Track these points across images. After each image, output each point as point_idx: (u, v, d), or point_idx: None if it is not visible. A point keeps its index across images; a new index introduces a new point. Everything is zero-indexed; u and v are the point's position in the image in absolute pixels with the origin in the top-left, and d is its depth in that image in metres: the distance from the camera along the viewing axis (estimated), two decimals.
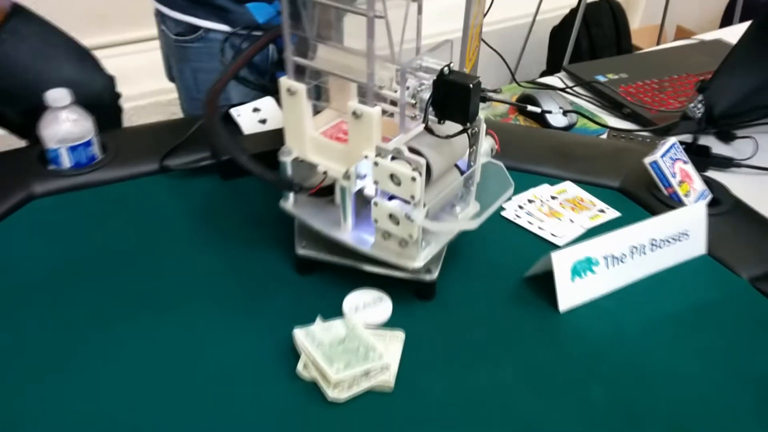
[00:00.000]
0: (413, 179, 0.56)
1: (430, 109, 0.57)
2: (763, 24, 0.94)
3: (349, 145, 0.61)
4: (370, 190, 0.65)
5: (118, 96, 1.00)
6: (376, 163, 0.58)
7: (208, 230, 0.77)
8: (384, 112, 0.60)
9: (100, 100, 0.95)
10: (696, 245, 0.74)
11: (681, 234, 0.72)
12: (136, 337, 0.62)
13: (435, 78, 0.56)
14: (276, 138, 0.80)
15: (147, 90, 1.68)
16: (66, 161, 0.81)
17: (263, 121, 0.91)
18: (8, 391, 0.57)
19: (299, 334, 0.60)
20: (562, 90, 1.13)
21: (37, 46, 0.92)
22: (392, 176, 0.58)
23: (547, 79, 1.17)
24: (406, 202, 0.59)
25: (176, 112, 1.22)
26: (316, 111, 0.66)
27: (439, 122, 0.59)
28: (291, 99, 0.62)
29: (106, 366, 0.59)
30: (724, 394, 0.59)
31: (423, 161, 0.57)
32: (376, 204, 0.61)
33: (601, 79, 1.13)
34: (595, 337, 0.64)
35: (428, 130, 0.60)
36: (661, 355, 0.63)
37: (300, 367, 0.59)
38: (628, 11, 2.27)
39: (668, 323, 0.66)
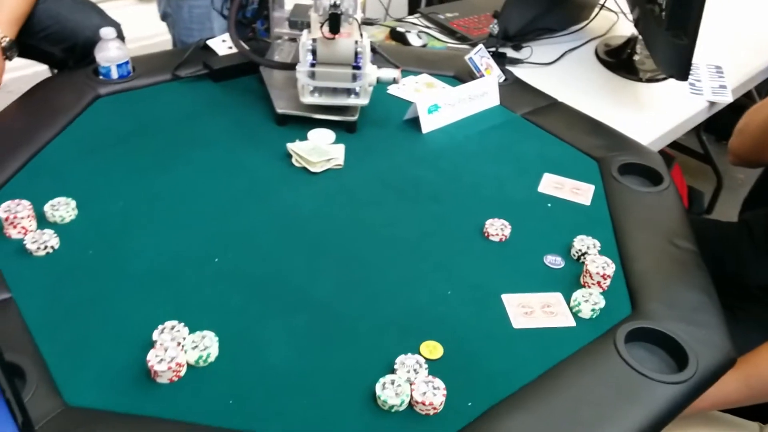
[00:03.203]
0: (297, 52, 1.12)
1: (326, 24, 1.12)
2: None
3: None
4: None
5: (124, 38, 1.44)
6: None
7: (214, 109, 1.27)
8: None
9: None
10: (492, 99, 1.34)
11: (484, 93, 1.33)
12: (195, 162, 1.13)
13: (330, 9, 1.10)
14: (239, 56, 1.31)
15: None
16: (114, 74, 1.27)
17: (230, 47, 1.41)
18: (127, 185, 1.06)
19: (290, 145, 1.14)
20: (417, 26, 1.71)
21: (69, 3, 1.35)
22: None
23: (409, 18, 1.76)
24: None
25: None
26: None
27: (330, 31, 1.12)
28: None
29: (178, 178, 1.10)
30: (498, 161, 1.20)
31: (307, 41, 1.13)
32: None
33: (441, 17, 1.73)
34: (440, 142, 1.23)
35: (322, 33, 1.14)
36: (470, 146, 1.23)
37: (293, 161, 1.13)
38: None
39: (478, 135, 1.26)
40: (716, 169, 2.36)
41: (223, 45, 1.41)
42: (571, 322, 0.89)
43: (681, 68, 1.33)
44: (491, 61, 1.42)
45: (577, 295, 0.91)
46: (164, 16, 1.58)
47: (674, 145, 2.24)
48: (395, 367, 0.79)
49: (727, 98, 1.53)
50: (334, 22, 1.10)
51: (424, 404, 0.75)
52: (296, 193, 1.07)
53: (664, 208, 1.10)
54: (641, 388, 0.80)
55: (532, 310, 0.90)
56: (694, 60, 1.36)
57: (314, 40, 1.13)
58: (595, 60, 1.63)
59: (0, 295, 0.84)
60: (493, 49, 1.52)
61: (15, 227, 0.93)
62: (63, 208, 0.96)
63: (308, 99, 1.18)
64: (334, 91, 1.20)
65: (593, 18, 1.75)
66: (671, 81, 1.54)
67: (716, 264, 1.05)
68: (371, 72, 1.19)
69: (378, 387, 0.76)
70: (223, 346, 0.80)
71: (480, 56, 1.41)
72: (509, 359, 0.83)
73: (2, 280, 0.86)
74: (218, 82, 1.34)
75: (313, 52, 1.14)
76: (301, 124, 1.21)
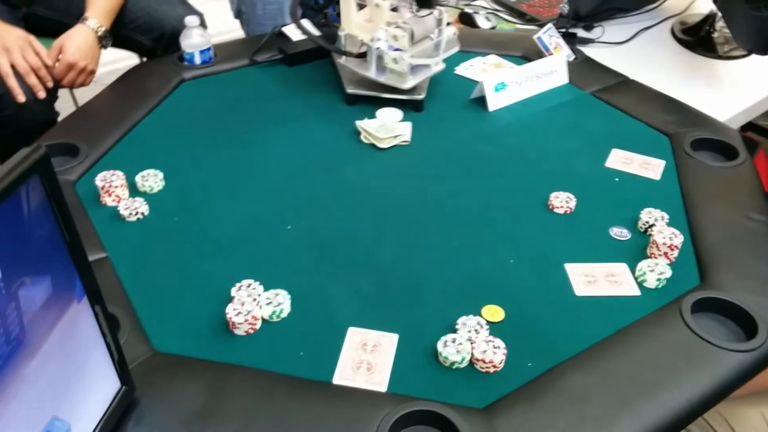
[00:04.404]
0: (402, 37, 1.15)
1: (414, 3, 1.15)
2: None
3: (374, 24, 1.19)
4: (382, 47, 1.22)
5: (206, 27, 1.53)
6: (386, 30, 1.16)
7: (288, 91, 1.33)
8: (393, 8, 1.18)
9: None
10: (561, 77, 1.34)
11: (552, 71, 1.33)
12: (270, 139, 1.20)
13: None
14: (311, 42, 1.36)
15: None
16: (197, 59, 1.36)
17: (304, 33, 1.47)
18: (209, 159, 1.13)
19: (359, 122, 1.18)
20: (485, 8, 1.72)
21: None
22: (394, 36, 1.16)
23: (478, 1, 1.77)
24: (400, 50, 1.17)
25: None
26: (361, 7, 1.23)
27: (417, 11, 1.16)
28: None
29: (255, 153, 1.17)
30: (564, 137, 1.20)
31: (409, 28, 1.15)
32: (387, 54, 1.18)
33: None
34: (506, 120, 1.25)
35: (413, 14, 1.17)
36: (536, 123, 1.24)
37: (362, 137, 1.17)
38: None
39: (545, 113, 1.27)
40: None
41: (297, 32, 1.47)
42: (635, 292, 0.89)
43: (760, 42, 1.29)
44: (560, 40, 1.42)
45: (643, 265, 0.90)
46: (238, 14, 1.66)
47: (760, 130, 2.14)
48: (456, 327, 0.82)
49: None
50: None
51: (484, 362, 0.77)
52: (364, 166, 1.12)
53: (738, 183, 1.07)
54: (707, 355, 0.79)
55: (595, 279, 0.91)
56: None
57: (405, 22, 1.16)
58: (670, 38, 1.59)
59: (97, 255, 0.93)
60: (563, 29, 1.52)
61: (110, 195, 1.01)
62: (152, 179, 1.04)
63: (410, 82, 1.21)
64: (419, 66, 1.22)
65: None
66: (751, 58, 1.49)
67: None
68: (448, 32, 1.22)
69: (440, 344, 0.79)
70: (295, 303, 0.85)
71: (549, 35, 1.41)
72: (571, 324, 0.84)
73: (99, 242, 0.95)
74: (292, 67, 1.40)
75: (411, 35, 1.15)
76: (369, 103, 1.26)
